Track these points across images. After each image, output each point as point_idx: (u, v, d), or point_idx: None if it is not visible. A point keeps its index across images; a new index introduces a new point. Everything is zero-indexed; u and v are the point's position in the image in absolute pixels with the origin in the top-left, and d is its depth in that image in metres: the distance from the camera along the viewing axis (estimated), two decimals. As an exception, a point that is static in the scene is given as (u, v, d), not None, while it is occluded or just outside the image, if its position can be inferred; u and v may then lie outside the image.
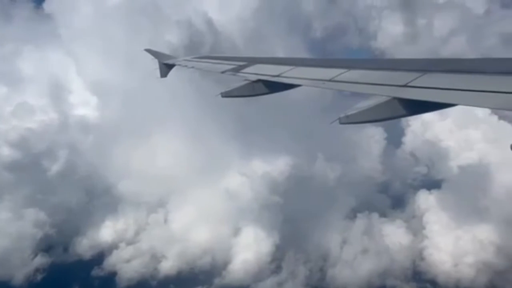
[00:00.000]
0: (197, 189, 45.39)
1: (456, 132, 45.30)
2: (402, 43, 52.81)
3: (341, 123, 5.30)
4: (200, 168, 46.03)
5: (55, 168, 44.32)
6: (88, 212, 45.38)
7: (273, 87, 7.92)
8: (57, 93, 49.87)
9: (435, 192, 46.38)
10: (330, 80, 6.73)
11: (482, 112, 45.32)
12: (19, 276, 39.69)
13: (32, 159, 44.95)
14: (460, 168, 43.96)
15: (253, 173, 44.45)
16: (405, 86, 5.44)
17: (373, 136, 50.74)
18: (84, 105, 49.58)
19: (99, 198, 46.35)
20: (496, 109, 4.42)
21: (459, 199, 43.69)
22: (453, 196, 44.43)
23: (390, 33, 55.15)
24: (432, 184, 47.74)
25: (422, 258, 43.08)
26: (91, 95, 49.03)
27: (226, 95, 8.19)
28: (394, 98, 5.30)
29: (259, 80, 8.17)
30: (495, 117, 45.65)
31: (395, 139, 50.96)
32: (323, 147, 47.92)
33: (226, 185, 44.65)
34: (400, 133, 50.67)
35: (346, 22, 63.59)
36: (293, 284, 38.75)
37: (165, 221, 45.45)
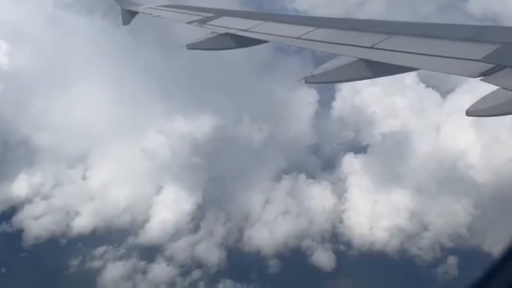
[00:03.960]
0: (119, 146, 43.71)
1: (383, 99, 45.45)
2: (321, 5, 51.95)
3: (306, 82, 5.28)
4: (123, 123, 44.21)
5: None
6: (0, 165, 42.89)
7: (241, 41, 7.64)
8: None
9: (360, 156, 46.97)
10: (298, 38, 6.67)
11: (410, 79, 45.60)
12: None
13: None
14: (383, 135, 44.52)
15: (174, 132, 43.19)
16: (371, 48, 5.40)
17: (306, 98, 50.13)
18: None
19: (13, 151, 43.69)
20: (456, 75, 4.46)
21: (381, 164, 44.56)
22: (376, 162, 45.24)
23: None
24: (360, 149, 48.27)
25: (341, 221, 44.09)
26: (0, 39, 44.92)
27: (191, 47, 7.82)
28: (361, 59, 5.21)
29: (227, 34, 7.77)
30: (422, 85, 46.10)
31: (328, 103, 50.57)
32: (252, 108, 47.01)
33: (148, 142, 43.26)
34: (333, 96, 50.30)
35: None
36: (207, 244, 38.71)
37: (84, 177, 43.76)
